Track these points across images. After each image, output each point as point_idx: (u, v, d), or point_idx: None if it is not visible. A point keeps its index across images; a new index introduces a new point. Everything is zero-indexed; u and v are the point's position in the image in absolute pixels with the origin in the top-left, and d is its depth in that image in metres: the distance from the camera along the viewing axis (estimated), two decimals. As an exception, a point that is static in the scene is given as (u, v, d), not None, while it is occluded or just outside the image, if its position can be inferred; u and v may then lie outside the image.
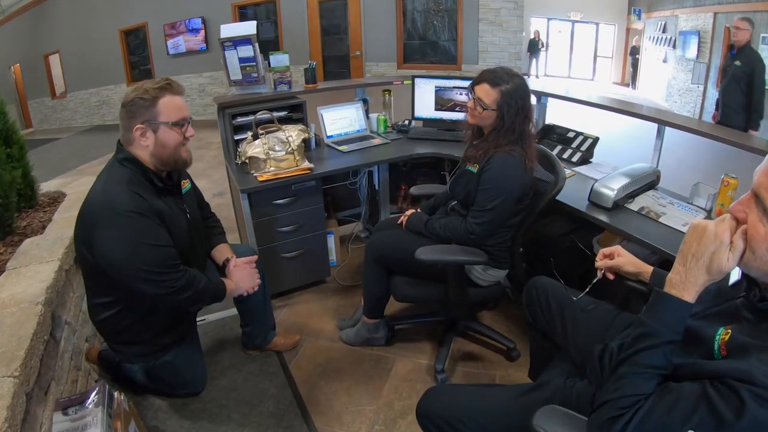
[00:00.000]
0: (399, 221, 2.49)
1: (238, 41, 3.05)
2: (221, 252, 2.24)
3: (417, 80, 3.37)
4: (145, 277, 1.73)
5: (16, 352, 1.54)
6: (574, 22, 14.48)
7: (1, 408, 1.30)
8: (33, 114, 14.51)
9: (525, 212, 2.18)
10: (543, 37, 14.76)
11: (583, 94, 3.16)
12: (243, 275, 2.14)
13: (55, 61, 13.00)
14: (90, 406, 1.65)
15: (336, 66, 8.80)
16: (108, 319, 1.94)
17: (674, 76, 9.96)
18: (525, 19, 7.82)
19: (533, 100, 2.20)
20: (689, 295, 1.03)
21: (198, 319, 2.31)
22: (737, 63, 4.56)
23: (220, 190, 4.99)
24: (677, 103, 9.71)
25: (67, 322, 2.18)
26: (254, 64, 3.08)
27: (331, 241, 3.30)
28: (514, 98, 2.02)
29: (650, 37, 11.48)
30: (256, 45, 3.03)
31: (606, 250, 1.63)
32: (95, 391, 1.70)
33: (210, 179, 5.52)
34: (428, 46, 8.23)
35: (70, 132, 12.06)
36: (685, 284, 1.03)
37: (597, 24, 14.10)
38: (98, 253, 1.73)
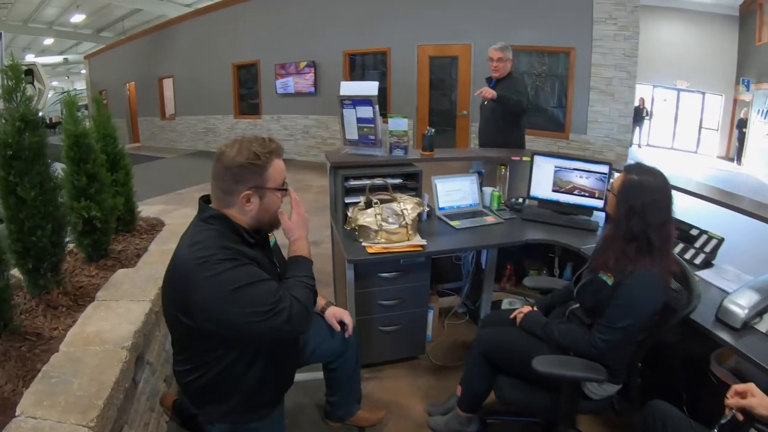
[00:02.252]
0: (512, 316, 2.33)
1: (357, 101, 3.03)
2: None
3: (536, 158, 3.24)
4: (257, 320, 1.59)
5: (94, 400, 1.52)
6: (679, 90, 14.07)
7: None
8: (141, 130, 15.43)
9: (653, 329, 1.98)
10: (647, 105, 14.37)
11: (709, 190, 2.89)
12: (298, 221, 1.92)
13: (168, 84, 13.82)
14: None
15: (441, 122, 8.64)
16: (195, 381, 1.82)
17: (783, 153, 9.39)
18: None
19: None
20: None
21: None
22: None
23: (317, 239, 4.82)
24: (785, 183, 9.12)
25: (149, 362, 2.16)
26: (373, 125, 3.04)
27: (430, 316, 3.17)
28: (638, 192, 1.89)
29: (759, 110, 11.00)
30: (377, 107, 2.98)
31: (739, 387, 1.46)
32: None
33: (307, 225, 5.43)
34: (536, 111, 7.97)
35: (174, 153, 12.67)
36: None
37: (703, 93, 13.73)
38: (199, 316, 1.60)
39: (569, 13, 7.39)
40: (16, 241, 2.07)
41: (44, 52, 20.31)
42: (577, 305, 2.15)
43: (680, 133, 14.91)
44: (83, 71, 19.96)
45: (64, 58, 21.54)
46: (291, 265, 1.86)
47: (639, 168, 1.96)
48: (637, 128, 13.67)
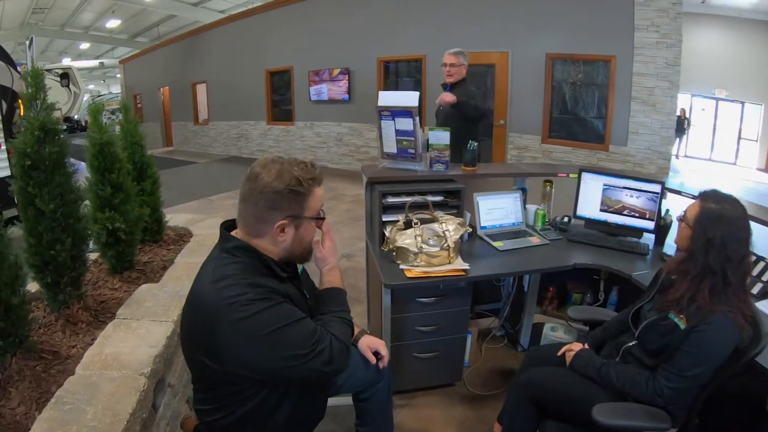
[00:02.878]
0: (560, 353, 2.14)
1: (397, 112, 2.86)
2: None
3: (584, 175, 3.03)
4: (295, 364, 1.45)
5: (109, 432, 1.43)
6: (718, 99, 13.71)
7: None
8: (175, 134, 15.64)
9: (720, 370, 1.77)
10: (687, 115, 14.01)
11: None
12: (331, 248, 1.80)
13: (201, 89, 13.98)
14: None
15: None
16: (219, 421, 1.64)
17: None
18: (674, 98, 7.28)
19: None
20: None
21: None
22: None
23: (350, 251, 4.71)
24: (825, 198, 8.70)
25: (170, 384, 2.04)
26: (413, 139, 2.87)
27: (468, 341, 2.98)
28: (716, 223, 1.70)
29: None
30: (417, 119, 2.81)
31: None
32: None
33: (339, 236, 5.22)
34: (575, 122, 7.74)
35: (207, 158, 12.75)
36: None
37: (742, 103, 13.39)
38: (229, 361, 1.44)
39: (609, 20, 7.15)
40: (34, 254, 1.98)
41: (80, 56, 20.75)
42: (633, 342, 1.96)
43: (719, 144, 14.52)
44: (118, 75, 20.33)
45: (100, 62, 21.99)
46: (326, 298, 1.72)
47: (716, 196, 1.78)
48: (678, 139, 13.31)
